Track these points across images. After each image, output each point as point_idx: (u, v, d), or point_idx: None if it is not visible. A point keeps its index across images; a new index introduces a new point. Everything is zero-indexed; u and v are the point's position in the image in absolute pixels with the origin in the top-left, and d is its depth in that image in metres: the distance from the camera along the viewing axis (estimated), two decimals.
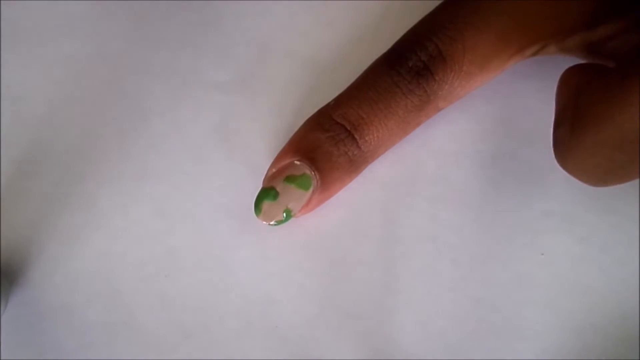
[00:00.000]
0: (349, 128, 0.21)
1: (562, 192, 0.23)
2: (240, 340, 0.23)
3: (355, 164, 0.22)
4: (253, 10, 0.26)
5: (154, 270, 0.23)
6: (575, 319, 0.23)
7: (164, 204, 0.24)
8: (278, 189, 0.21)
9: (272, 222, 0.21)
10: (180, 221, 0.24)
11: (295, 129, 0.23)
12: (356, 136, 0.21)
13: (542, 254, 0.23)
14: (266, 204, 0.21)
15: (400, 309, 0.23)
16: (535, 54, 0.22)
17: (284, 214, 0.21)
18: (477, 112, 0.24)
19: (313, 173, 0.21)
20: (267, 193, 0.21)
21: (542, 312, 0.23)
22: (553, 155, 0.24)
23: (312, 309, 0.23)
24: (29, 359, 0.23)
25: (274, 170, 0.22)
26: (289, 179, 0.21)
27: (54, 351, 0.23)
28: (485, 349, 0.22)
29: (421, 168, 0.24)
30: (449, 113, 0.24)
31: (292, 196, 0.21)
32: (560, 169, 0.23)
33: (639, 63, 0.15)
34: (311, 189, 0.21)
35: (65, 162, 0.24)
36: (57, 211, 0.24)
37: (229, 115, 0.25)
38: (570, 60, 0.19)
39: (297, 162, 0.21)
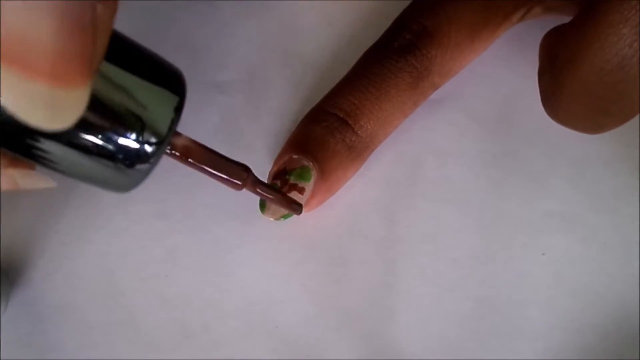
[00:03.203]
0: (342, 116, 0.22)
1: (562, 192, 0.23)
2: (240, 340, 0.23)
3: (355, 150, 0.22)
4: (253, 10, 0.26)
5: (154, 271, 0.23)
6: (575, 319, 0.23)
7: (164, 204, 0.24)
8: (280, 184, 0.21)
9: (277, 218, 0.21)
10: (181, 221, 0.24)
11: (295, 127, 0.23)
12: (350, 122, 0.21)
13: (543, 254, 0.23)
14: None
15: (400, 309, 0.23)
16: (522, 18, 0.22)
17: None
18: (477, 112, 0.24)
19: (311, 164, 0.21)
20: None
21: (542, 312, 0.23)
22: (553, 156, 0.24)
23: (312, 309, 0.23)
24: (29, 359, 0.23)
25: (275, 168, 0.22)
26: (289, 173, 0.21)
27: (54, 351, 0.23)
28: (485, 349, 0.22)
29: (421, 168, 0.24)
30: (449, 113, 0.24)
31: (294, 190, 0.21)
32: (561, 168, 0.24)
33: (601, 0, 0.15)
34: (312, 180, 0.21)
35: None
36: (58, 211, 0.24)
37: (229, 116, 0.25)
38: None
39: (295, 156, 0.21)
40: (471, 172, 0.24)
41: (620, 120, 0.17)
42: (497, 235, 0.23)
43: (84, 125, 0.13)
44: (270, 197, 0.19)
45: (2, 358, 0.23)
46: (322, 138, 0.22)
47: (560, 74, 0.16)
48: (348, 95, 0.22)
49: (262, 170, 0.23)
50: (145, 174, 0.15)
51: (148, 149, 0.14)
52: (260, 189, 0.19)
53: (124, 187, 0.15)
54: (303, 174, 0.21)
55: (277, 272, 0.23)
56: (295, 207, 0.21)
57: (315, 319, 0.23)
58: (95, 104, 0.13)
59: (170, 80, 0.15)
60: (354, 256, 0.23)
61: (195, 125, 0.25)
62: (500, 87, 0.24)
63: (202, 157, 0.16)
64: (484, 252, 0.23)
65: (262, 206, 0.22)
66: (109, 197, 0.24)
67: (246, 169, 0.17)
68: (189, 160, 0.16)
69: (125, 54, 0.14)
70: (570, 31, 0.16)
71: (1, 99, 0.10)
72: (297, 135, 0.22)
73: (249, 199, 0.23)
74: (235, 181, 0.17)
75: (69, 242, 0.24)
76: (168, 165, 0.24)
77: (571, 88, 0.16)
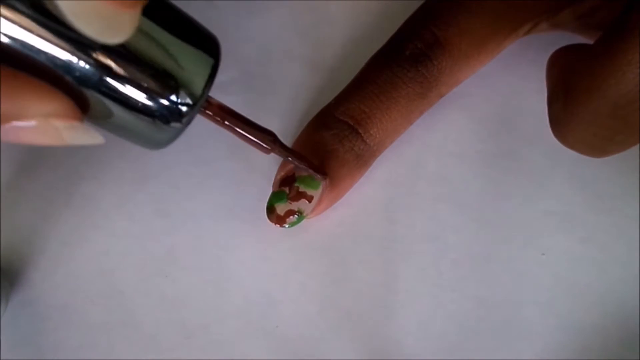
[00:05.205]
0: (352, 124, 0.21)
1: (562, 192, 0.23)
2: (240, 340, 0.23)
3: (362, 159, 0.22)
4: (253, 10, 0.26)
5: (154, 270, 0.23)
6: (575, 319, 0.23)
7: (164, 203, 0.24)
8: (288, 191, 0.21)
9: (285, 225, 0.21)
10: (181, 221, 0.24)
11: (296, 128, 0.23)
12: (360, 131, 0.21)
13: (543, 254, 0.23)
14: (278, 207, 0.21)
15: (400, 309, 0.23)
16: (528, 32, 0.22)
17: (296, 216, 0.21)
18: (477, 112, 0.24)
19: None
20: (278, 196, 0.21)
21: (542, 312, 0.23)
22: (553, 156, 0.24)
23: (312, 309, 0.23)
24: (29, 359, 0.23)
25: (282, 173, 0.22)
26: (298, 180, 0.21)
27: (54, 351, 0.23)
28: (485, 349, 0.22)
29: (421, 168, 0.24)
30: (449, 113, 0.24)
31: (303, 197, 0.21)
32: (561, 168, 0.24)
33: (619, 32, 0.15)
34: (320, 188, 0.21)
35: (65, 162, 0.24)
36: (57, 211, 0.24)
37: None
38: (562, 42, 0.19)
39: None
40: (471, 172, 0.24)
41: (623, 147, 0.17)
42: (497, 235, 0.23)
43: (124, 78, 0.14)
44: (297, 164, 0.20)
45: (2, 358, 0.23)
46: (332, 146, 0.21)
47: (572, 103, 0.16)
48: (359, 102, 0.21)
49: (262, 170, 0.23)
50: (179, 131, 0.16)
51: (182, 108, 0.15)
52: (287, 155, 0.19)
53: (157, 144, 0.16)
54: (312, 182, 0.21)
55: (277, 272, 0.23)
56: (320, 178, 0.21)
57: (315, 319, 0.23)
58: (135, 59, 0.14)
59: (206, 43, 0.15)
60: (354, 256, 0.23)
61: (196, 125, 0.25)
62: (500, 87, 0.24)
63: (234, 118, 0.17)
64: (483, 252, 0.23)
65: (270, 213, 0.22)
66: (109, 197, 0.24)
67: (272, 135, 0.18)
68: (225, 122, 0.17)
69: (165, 14, 0.15)
70: (586, 62, 0.16)
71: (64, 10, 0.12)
72: (306, 141, 0.22)
73: (250, 198, 0.23)
74: (264, 145, 0.18)
75: (69, 242, 0.24)
76: (168, 165, 0.24)
77: (582, 117, 0.16)
